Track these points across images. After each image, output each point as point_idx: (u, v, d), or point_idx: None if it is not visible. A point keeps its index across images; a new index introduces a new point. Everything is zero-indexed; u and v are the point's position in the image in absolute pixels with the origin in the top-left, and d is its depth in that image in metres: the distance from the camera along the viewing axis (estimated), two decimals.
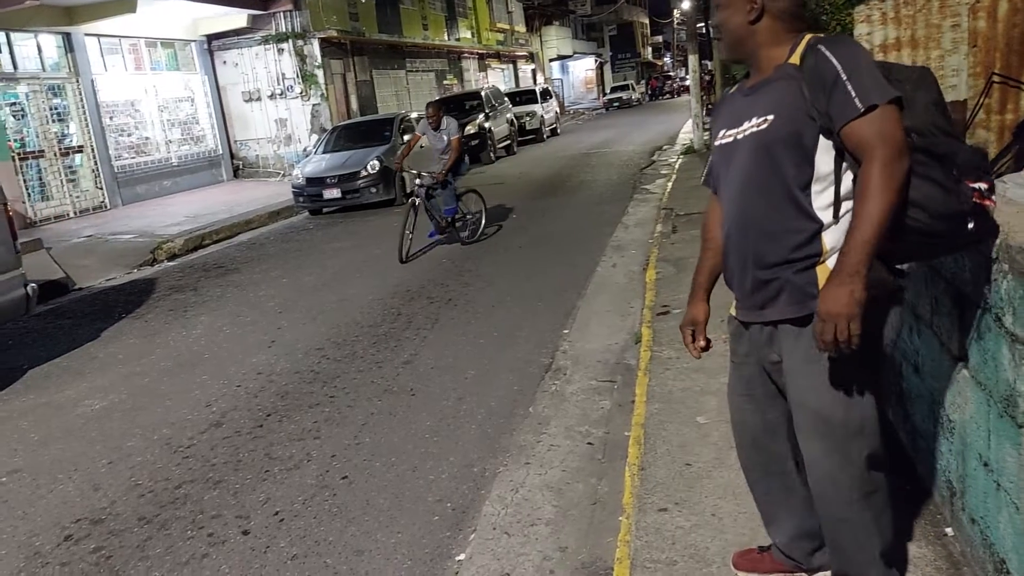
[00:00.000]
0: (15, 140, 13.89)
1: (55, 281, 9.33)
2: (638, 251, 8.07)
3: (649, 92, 54.58)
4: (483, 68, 33.94)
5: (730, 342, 2.36)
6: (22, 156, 13.94)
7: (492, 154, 19.63)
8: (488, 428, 4.33)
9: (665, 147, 18.76)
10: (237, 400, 5.13)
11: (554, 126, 27.03)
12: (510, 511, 3.41)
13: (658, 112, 35.64)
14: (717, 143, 2.19)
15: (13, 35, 13.99)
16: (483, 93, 21.60)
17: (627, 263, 7.66)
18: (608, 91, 48.65)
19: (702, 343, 2.37)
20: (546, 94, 27.35)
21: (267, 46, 19.66)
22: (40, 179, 14.36)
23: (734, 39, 2.09)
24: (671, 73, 70.22)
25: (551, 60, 46.44)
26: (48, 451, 4.65)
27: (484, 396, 4.78)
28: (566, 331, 5.82)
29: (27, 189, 13.88)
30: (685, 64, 27.71)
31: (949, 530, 2.60)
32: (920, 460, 2.92)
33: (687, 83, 26.23)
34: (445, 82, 29.03)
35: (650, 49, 71.52)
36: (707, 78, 25.99)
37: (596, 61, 55.99)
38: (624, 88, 46.23)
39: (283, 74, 19.86)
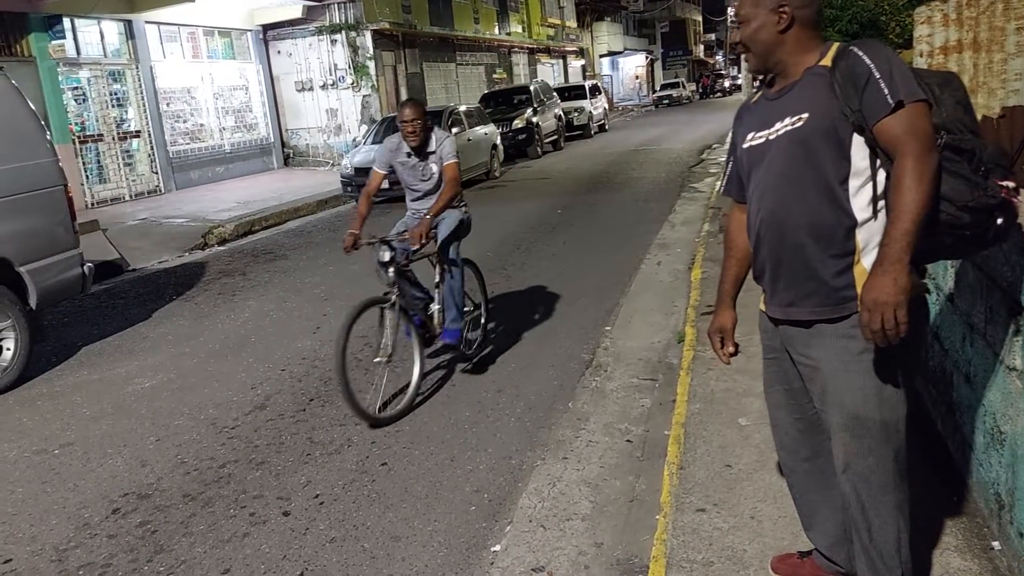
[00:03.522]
0: (76, 124, 14.29)
1: (110, 262, 9.58)
2: (684, 250, 8.00)
3: (700, 90, 53.98)
4: (533, 63, 33.92)
5: (762, 338, 2.36)
6: (82, 140, 14.35)
7: (539, 149, 19.71)
8: (527, 421, 4.34)
9: (715, 145, 18.53)
10: (281, 384, 5.23)
11: (602, 122, 26.90)
12: (547, 505, 3.42)
13: (708, 110, 35.23)
14: (745, 146, 2.19)
15: (77, 21, 14.39)
16: (532, 88, 21.68)
17: (672, 261, 7.60)
18: (658, 88, 48.23)
19: (731, 349, 2.40)
20: (595, 90, 27.26)
21: (320, 37, 19.99)
22: (98, 162, 14.77)
23: (765, 50, 2.08)
24: (723, 72, 69.30)
25: (601, 56, 46.23)
26: (99, 426, 4.79)
27: (524, 389, 4.79)
28: (608, 328, 5.80)
29: (85, 172, 14.29)
30: (737, 63, 27.33)
31: (996, 544, 2.54)
32: (968, 471, 2.86)
33: (739, 82, 25.87)
34: (495, 76, 29.10)
35: (702, 47, 70.71)
36: (760, 77, 25.58)
37: (647, 58, 55.58)
38: (674, 85, 45.81)
39: (335, 65, 20.14)
